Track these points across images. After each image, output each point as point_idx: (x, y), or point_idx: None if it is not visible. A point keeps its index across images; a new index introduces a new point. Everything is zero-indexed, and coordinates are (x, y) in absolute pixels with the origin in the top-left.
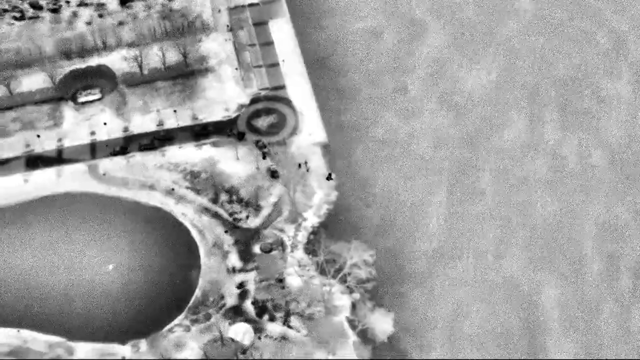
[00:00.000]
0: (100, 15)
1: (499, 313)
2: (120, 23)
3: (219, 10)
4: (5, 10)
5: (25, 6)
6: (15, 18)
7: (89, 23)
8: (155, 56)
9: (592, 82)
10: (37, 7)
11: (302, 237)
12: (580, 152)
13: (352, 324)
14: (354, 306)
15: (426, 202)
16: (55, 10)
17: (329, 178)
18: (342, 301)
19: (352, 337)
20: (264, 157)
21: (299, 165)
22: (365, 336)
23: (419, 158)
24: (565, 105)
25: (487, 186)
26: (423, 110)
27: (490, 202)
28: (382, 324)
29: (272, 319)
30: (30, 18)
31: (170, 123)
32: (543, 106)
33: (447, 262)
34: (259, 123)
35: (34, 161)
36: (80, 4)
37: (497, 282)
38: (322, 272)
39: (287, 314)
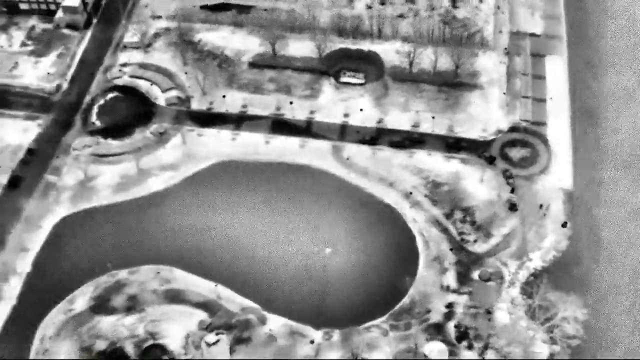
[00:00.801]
0: (382, 3)
1: None
2: (400, 15)
3: (500, 31)
4: None
5: None
6: None
7: (369, 7)
8: (427, 58)
9: None
10: None
11: (522, 276)
12: None
13: None
14: (551, 357)
15: None
16: None
17: (564, 225)
18: (542, 349)
19: None
20: (512, 191)
21: (540, 206)
22: None
23: None
24: None
25: None
26: None
27: None
28: None
29: (470, 347)
30: None
31: (426, 127)
32: None
33: None
34: (512, 153)
35: (281, 126)
36: None
37: None
38: (532, 316)
39: (485, 347)
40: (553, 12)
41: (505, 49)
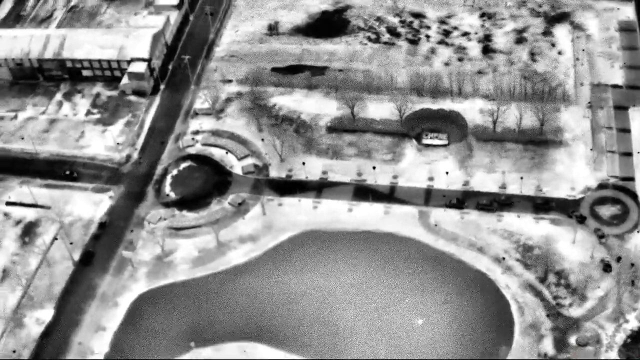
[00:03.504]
0: (460, 59)
1: None
2: (479, 72)
3: (582, 84)
4: (361, 29)
5: (382, 29)
6: (370, 39)
7: (447, 64)
8: (511, 116)
9: None
10: (394, 33)
11: (620, 338)
12: None
13: None
14: None
15: None
16: (413, 42)
17: None
18: None
19: None
20: (618, 259)
21: (632, 265)
22: None
23: None
24: None
25: None
26: None
27: None
28: None
29: None
30: (385, 43)
31: (513, 189)
32: None
33: None
34: (602, 211)
35: (364, 192)
36: (441, 42)
37: None
38: None
39: None
40: (633, 61)
41: (589, 102)
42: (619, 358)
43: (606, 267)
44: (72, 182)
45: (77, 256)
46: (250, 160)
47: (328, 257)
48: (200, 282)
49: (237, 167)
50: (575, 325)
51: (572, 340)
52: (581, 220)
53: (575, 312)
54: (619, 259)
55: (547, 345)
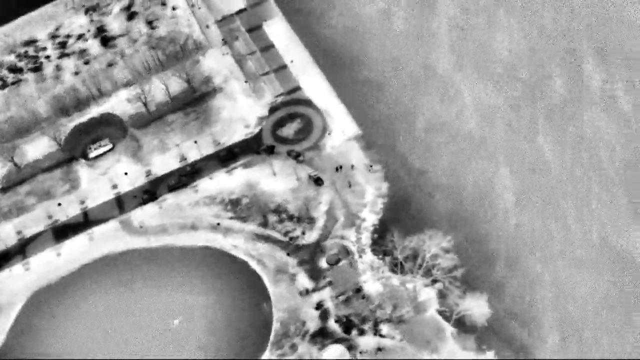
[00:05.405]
0: (86, 62)
1: (601, 281)
2: (110, 65)
3: (207, 26)
4: None
5: (4, 73)
6: None
7: (76, 73)
8: (158, 90)
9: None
10: (16, 70)
11: (366, 238)
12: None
13: (444, 315)
14: (442, 296)
15: (491, 182)
16: (36, 69)
17: (369, 170)
18: (428, 294)
19: (449, 328)
20: (317, 180)
21: (338, 168)
22: (464, 325)
23: (470, 138)
24: (604, 46)
25: (549, 151)
26: (459, 86)
27: (556, 166)
28: (477, 307)
29: (361, 332)
30: (13, 83)
31: (193, 155)
32: (581, 57)
33: (533, 240)
34: (285, 132)
35: (62, 231)
36: (62, 56)
37: (592, 245)
38: (400, 270)
39: (376, 323)
40: None
41: (222, 39)
42: (376, 257)
43: (317, 181)
44: None
45: None
46: None
47: (63, 306)
48: None
49: None
50: (319, 249)
51: (323, 264)
52: (270, 150)
53: (311, 237)
54: (337, 169)
55: (304, 281)
